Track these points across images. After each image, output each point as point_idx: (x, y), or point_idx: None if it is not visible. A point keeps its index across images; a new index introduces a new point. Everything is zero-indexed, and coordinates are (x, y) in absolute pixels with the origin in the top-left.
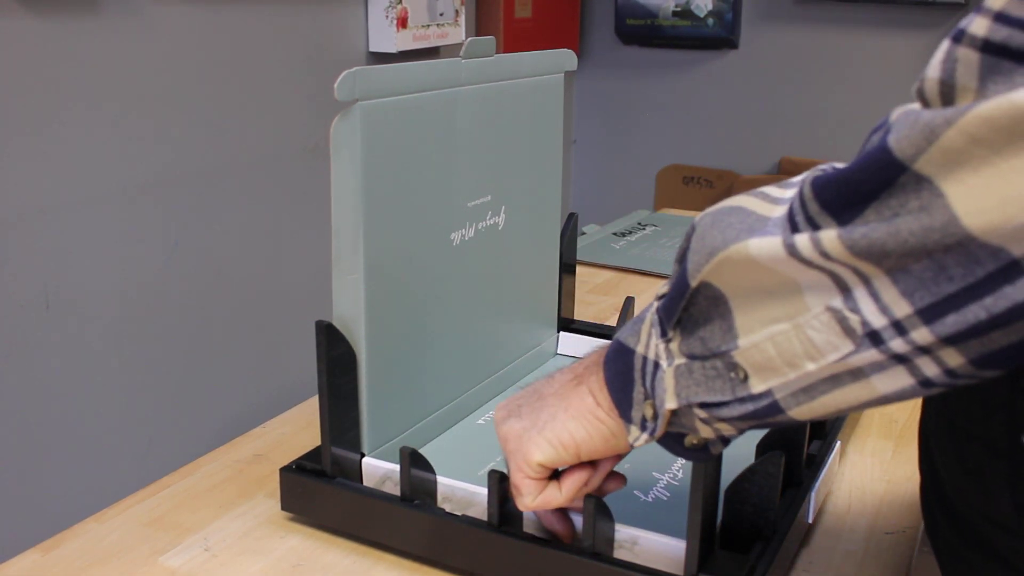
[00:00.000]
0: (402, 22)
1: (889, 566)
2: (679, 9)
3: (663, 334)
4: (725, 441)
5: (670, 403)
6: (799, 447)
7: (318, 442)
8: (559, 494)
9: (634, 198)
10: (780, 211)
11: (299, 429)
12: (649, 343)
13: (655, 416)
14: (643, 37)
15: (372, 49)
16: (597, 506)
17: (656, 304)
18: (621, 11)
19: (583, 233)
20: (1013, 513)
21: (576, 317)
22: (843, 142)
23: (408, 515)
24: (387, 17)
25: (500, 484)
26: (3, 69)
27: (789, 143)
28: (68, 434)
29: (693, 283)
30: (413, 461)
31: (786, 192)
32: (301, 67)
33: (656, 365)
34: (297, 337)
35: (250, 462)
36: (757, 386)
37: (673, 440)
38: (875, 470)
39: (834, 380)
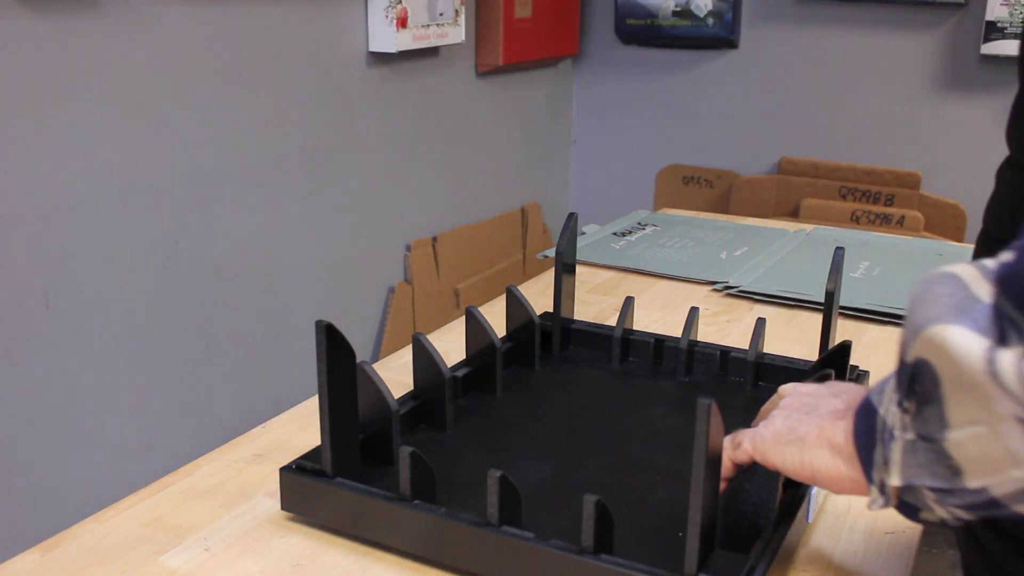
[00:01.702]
0: (402, 22)
1: (889, 566)
2: (679, 9)
3: (899, 402)
4: (964, 521)
5: (894, 479)
6: None
7: (318, 442)
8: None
9: (634, 198)
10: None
11: (299, 429)
12: (889, 407)
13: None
14: (643, 37)
15: (372, 49)
16: (597, 506)
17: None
18: (621, 11)
19: (583, 233)
20: None
21: (576, 317)
22: (843, 142)
23: (408, 515)
24: (387, 17)
25: (501, 484)
26: (3, 69)
27: (789, 143)
28: (68, 434)
29: (907, 358)
30: (413, 461)
31: None
32: (301, 67)
33: (891, 434)
34: (297, 337)
35: (250, 462)
36: (971, 482)
37: (909, 510)
38: None
39: None
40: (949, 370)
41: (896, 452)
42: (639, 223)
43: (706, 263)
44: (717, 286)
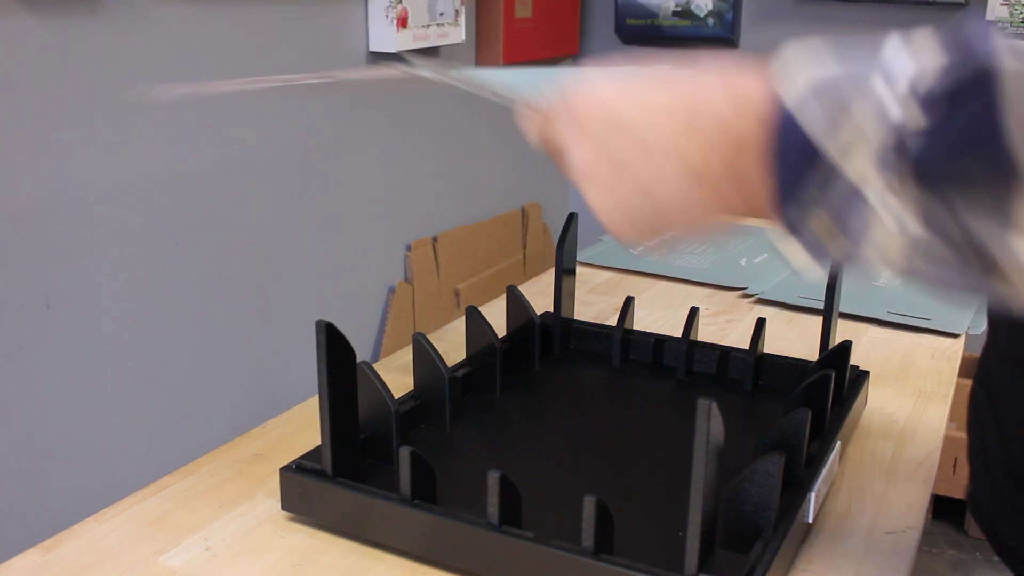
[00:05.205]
0: (402, 22)
1: (889, 566)
2: (679, 9)
3: (896, 154)
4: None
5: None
6: (799, 447)
7: (318, 442)
8: None
9: None
10: None
11: (299, 429)
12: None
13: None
14: (643, 37)
15: (372, 49)
16: (597, 506)
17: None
18: (621, 11)
19: (601, 240)
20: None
21: (576, 317)
22: None
23: (408, 515)
24: (387, 17)
25: (501, 484)
26: (3, 69)
27: None
28: (68, 434)
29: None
30: (413, 461)
31: None
32: (301, 67)
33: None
34: (297, 337)
35: (250, 462)
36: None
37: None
38: (875, 470)
39: None
40: None
41: (876, 232)
42: None
43: (727, 269)
44: (748, 291)
